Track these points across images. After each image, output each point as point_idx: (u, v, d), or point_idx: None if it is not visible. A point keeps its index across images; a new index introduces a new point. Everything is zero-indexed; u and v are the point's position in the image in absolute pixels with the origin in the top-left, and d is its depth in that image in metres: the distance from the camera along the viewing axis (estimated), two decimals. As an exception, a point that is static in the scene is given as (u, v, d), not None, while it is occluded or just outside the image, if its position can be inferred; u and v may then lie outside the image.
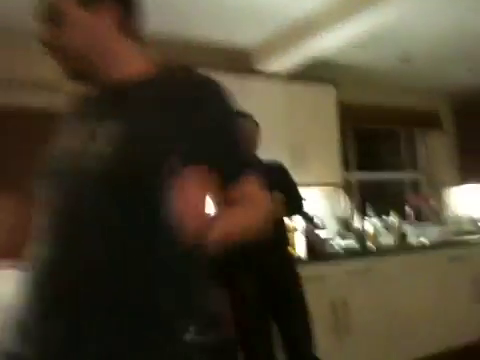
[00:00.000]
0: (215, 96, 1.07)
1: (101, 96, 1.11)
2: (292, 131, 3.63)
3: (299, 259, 3.16)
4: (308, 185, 3.58)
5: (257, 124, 2.81)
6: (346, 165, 4.25)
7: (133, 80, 1.08)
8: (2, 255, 2.10)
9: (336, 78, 3.96)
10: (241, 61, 3.75)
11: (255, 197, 1.12)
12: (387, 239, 3.91)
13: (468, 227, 4.61)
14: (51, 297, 0.94)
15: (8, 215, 2.58)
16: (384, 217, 4.14)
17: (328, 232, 3.75)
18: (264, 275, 2.64)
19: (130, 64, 1.11)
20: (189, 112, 1.02)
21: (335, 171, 3.85)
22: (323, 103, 3.88)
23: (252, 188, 1.12)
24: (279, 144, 3.43)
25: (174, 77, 1.10)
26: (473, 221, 4.73)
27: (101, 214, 0.96)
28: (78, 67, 1.09)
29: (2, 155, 2.91)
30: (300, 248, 3.36)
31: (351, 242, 3.75)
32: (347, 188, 4.26)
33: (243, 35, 3.49)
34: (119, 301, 0.93)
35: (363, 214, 3.94)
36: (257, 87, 3.53)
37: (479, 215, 4.87)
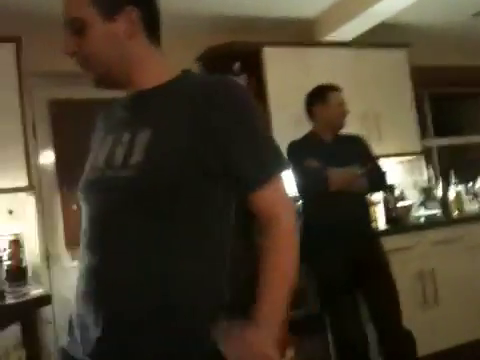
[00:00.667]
0: (231, 95, 1.04)
1: (128, 103, 1.13)
2: (364, 100, 3.51)
3: (382, 232, 3.09)
4: (385, 156, 3.47)
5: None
6: (424, 132, 4.07)
7: (157, 86, 1.09)
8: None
9: (407, 40, 3.78)
10: (306, 32, 3.67)
11: (273, 217, 1.04)
12: (472, 206, 3.73)
13: None
14: (94, 302, 1.01)
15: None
16: (468, 184, 3.94)
17: (410, 202, 3.62)
18: (350, 250, 2.61)
19: (154, 70, 1.11)
20: (207, 113, 1.00)
21: (413, 139, 3.70)
22: (395, 68, 3.72)
23: (270, 202, 1.04)
24: (351, 115, 3.34)
25: (192, 80, 1.09)
26: None
27: (128, 222, 1.00)
28: (104, 75, 1.10)
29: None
30: (382, 221, 3.28)
31: (435, 211, 3.61)
32: (427, 156, 4.09)
33: (307, 5, 3.41)
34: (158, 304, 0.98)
35: (446, 182, 3.77)
36: (324, 57, 3.44)
37: None
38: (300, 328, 2.79)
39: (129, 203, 1.00)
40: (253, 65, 3.20)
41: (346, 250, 2.59)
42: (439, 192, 3.66)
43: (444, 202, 3.58)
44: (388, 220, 3.27)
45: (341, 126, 2.77)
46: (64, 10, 1.08)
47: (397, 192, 3.54)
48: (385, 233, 3.07)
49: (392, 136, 3.56)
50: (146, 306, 0.98)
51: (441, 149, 4.40)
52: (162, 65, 1.13)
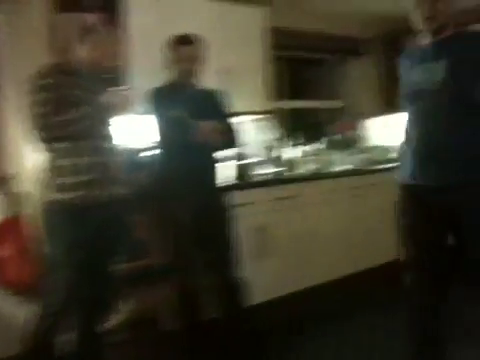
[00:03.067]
0: None
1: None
2: (222, 55, 3.50)
3: (228, 187, 3.17)
4: (238, 113, 3.53)
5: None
6: (275, 92, 4.21)
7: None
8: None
9: (268, 0, 3.82)
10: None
11: None
12: (312, 166, 4.00)
13: (386, 156, 4.81)
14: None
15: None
16: (310, 145, 4.22)
17: (257, 160, 3.77)
18: (196, 203, 2.65)
19: None
20: None
21: (265, 99, 3.82)
22: (254, 26, 3.75)
23: None
24: (210, 68, 3.32)
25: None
26: (390, 150, 4.94)
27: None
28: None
29: None
30: (229, 176, 3.37)
31: (279, 169, 3.80)
32: (276, 116, 4.26)
33: None
34: None
35: (290, 142, 3.98)
36: (188, 8, 3.35)
37: (396, 145, 5.09)
38: (142, 280, 2.80)
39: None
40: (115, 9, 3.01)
41: (193, 202, 2.63)
42: (284, 152, 3.85)
43: (287, 161, 3.79)
44: (235, 176, 3.36)
45: (190, 79, 2.75)
46: None
47: (246, 149, 3.65)
48: (229, 188, 3.16)
49: (246, 94, 3.62)
50: None
51: (289, 110, 4.62)
52: None
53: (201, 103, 2.72)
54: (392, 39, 5.05)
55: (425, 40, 2.21)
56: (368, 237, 4.00)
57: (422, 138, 2.17)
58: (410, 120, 2.31)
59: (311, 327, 3.22)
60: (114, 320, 2.76)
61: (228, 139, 2.76)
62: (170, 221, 2.69)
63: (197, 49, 2.74)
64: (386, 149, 4.92)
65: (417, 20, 2.16)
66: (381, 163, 4.49)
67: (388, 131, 5.26)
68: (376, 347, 2.90)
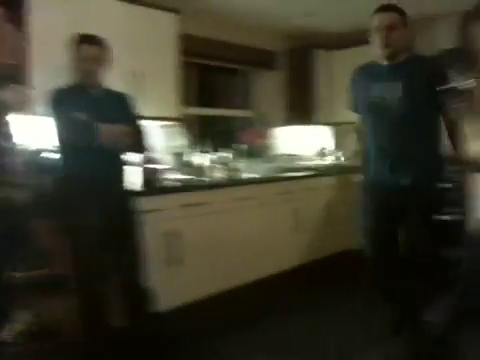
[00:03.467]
0: None
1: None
2: (131, 58, 3.46)
3: (135, 192, 3.11)
4: (147, 118, 3.49)
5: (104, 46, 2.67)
6: (185, 99, 4.22)
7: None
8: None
9: (180, 7, 3.83)
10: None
11: None
12: (221, 174, 4.04)
13: (292, 164, 4.98)
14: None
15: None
16: (220, 153, 4.25)
17: (165, 166, 3.74)
18: (102, 208, 2.58)
19: None
20: None
21: (174, 105, 3.81)
22: (165, 32, 3.75)
23: None
24: (118, 72, 3.26)
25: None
26: (297, 159, 5.12)
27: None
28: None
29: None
30: (136, 181, 3.31)
31: (187, 176, 3.80)
32: (186, 123, 4.26)
33: None
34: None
35: (199, 149, 3.99)
36: (96, 9, 3.27)
37: (302, 154, 5.30)
38: (43, 289, 2.67)
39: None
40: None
41: (98, 207, 2.56)
42: (193, 159, 3.86)
43: (196, 168, 3.79)
44: (142, 182, 3.31)
45: (91, 81, 2.67)
46: None
47: (154, 155, 3.61)
48: (139, 194, 3.11)
49: (155, 99, 3.60)
50: None
51: (198, 118, 4.64)
52: None
53: (106, 106, 2.65)
54: (301, 54, 5.26)
55: (381, 62, 2.64)
56: (275, 243, 4.10)
57: (382, 145, 2.61)
58: (370, 130, 2.69)
59: (221, 332, 3.23)
60: (10, 330, 2.60)
61: (135, 143, 2.70)
62: (72, 227, 2.58)
63: (100, 50, 2.66)
64: (293, 158, 5.10)
65: (375, 45, 2.59)
66: (288, 171, 4.64)
67: (295, 141, 5.46)
68: (285, 348, 2.99)
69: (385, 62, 2.63)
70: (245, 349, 2.99)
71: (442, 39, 4.41)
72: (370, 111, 2.67)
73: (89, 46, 2.61)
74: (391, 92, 2.53)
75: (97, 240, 2.58)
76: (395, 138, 2.56)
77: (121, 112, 2.71)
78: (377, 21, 2.56)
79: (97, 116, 2.52)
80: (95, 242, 2.58)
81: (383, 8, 2.58)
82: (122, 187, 2.80)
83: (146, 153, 3.20)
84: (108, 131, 2.52)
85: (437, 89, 1.95)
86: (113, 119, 2.57)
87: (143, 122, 2.93)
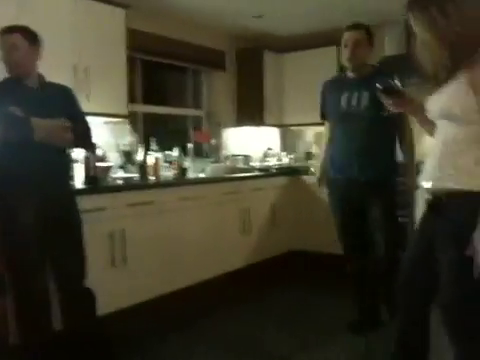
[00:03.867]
0: None
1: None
2: (78, 53, 3.37)
3: (79, 191, 3.02)
4: (92, 114, 3.40)
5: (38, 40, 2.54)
6: (132, 96, 4.15)
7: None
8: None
9: (130, 2, 3.76)
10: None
11: None
12: (168, 173, 3.99)
13: (241, 165, 4.99)
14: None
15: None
16: (167, 152, 4.20)
17: (110, 164, 3.65)
18: (42, 205, 2.47)
19: None
20: None
21: (121, 102, 3.73)
22: (112, 26, 3.66)
23: None
24: (63, 66, 3.17)
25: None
26: (246, 160, 5.14)
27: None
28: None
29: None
30: (80, 179, 3.21)
31: (133, 175, 3.73)
32: (132, 120, 4.18)
33: None
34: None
35: (146, 148, 3.93)
36: (42, 1, 3.16)
37: (252, 155, 5.32)
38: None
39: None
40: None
41: (38, 204, 2.45)
42: (139, 157, 3.79)
43: (142, 167, 3.73)
44: (86, 179, 3.22)
45: (20, 71, 2.53)
46: None
47: (99, 152, 3.52)
48: (82, 192, 3.02)
49: (101, 95, 3.52)
50: None
51: (146, 116, 4.56)
52: None
53: (45, 100, 2.53)
54: (250, 55, 5.28)
55: (348, 74, 3.08)
56: (222, 244, 4.09)
57: (350, 147, 2.99)
58: (339, 134, 3.07)
59: (163, 332, 3.20)
60: None
61: (78, 138, 2.59)
62: (7, 226, 2.46)
63: (21, 39, 2.48)
64: (242, 158, 5.11)
65: (343, 58, 3.02)
66: (236, 172, 4.64)
67: (245, 142, 5.48)
68: (225, 347, 3.00)
69: (351, 74, 3.06)
70: (186, 348, 2.99)
71: (390, 46, 4.56)
72: (340, 118, 3.05)
73: (10, 35, 2.47)
74: (359, 101, 2.95)
75: (37, 239, 2.48)
76: (362, 140, 2.95)
77: (62, 106, 2.59)
78: (346, 37, 2.98)
79: (35, 111, 2.41)
80: (31, 242, 2.47)
81: (353, 27, 2.99)
82: (65, 185, 2.69)
83: (91, 149, 3.12)
84: (44, 127, 2.40)
85: (377, 87, 2.09)
86: (53, 113, 2.47)
87: (88, 118, 2.85)
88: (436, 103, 1.76)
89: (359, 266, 3.17)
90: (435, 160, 1.75)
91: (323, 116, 3.27)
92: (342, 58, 3.06)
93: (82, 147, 2.95)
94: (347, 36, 2.99)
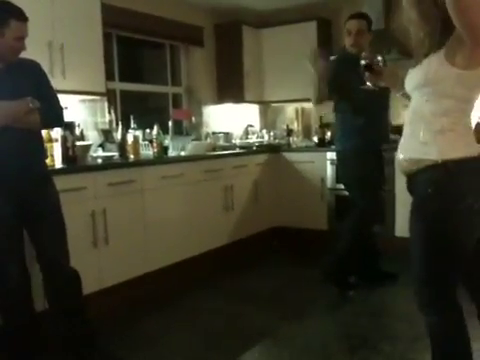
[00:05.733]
0: None
1: None
2: (51, 29, 3.26)
3: (58, 171, 2.97)
4: (68, 92, 3.33)
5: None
6: (109, 74, 4.06)
7: None
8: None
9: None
10: None
11: None
12: (147, 151, 3.94)
13: (222, 142, 4.96)
14: None
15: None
16: (146, 130, 4.14)
17: (89, 143, 3.59)
18: (17, 189, 2.40)
19: None
20: None
21: (98, 79, 3.64)
22: (87, 2, 3.55)
23: None
24: (38, 43, 3.05)
25: None
26: (227, 137, 5.10)
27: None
28: None
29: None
30: (58, 159, 3.15)
31: (112, 153, 3.67)
32: (110, 98, 4.10)
33: None
34: None
35: (125, 126, 3.86)
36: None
37: (233, 132, 5.28)
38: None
39: None
40: None
41: (12, 188, 2.38)
42: (118, 135, 3.73)
43: (122, 145, 3.67)
44: (64, 159, 3.16)
45: (10, 61, 2.40)
46: None
47: (76, 131, 3.45)
48: (60, 172, 2.96)
49: (77, 73, 3.42)
50: None
51: (124, 93, 4.48)
52: None
53: (13, 79, 2.39)
54: (228, 30, 5.20)
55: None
56: (204, 222, 4.08)
57: (374, 121, 3.34)
58: (372, 108, 3.27)
59: (150, 311, 3.21)
60: None
61: (49, 117, 2.47)
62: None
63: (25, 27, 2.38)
64: (222, 136, 5.07)
65: (347, 43, 3.33)
66: (217, 149, 4.61)
67: (226, 119, 5.43)
68: (213, 320, 3.03)
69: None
70: (166, 326, 3.01)
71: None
72: (365, 96, 3.07)
73: (19, 23, 2.34)
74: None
75: (5, 228, 2.42)
76: (383, 115, 3.43)
77: (30, 84, 2.44)
78: (350, 26, 3.31)
79: (1, 92, 2.30)
80: (12, 228, 2.42)
81: (357, 16, 3.33)
82: (42, 166, 2.60)
83: (67, 129, 3.04)
84: (6, 110, 2.29)
85: (361, 63, 2.27)
86: (19, 93, 2.33)
87: (64, 96, 2.77)
88: (412, 76, 1.79)
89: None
90: (406, 131, 1.80)
91: (333, 91, 3.32)
92: (346, 43, 3.35)
93: (52, 126, 2.85)
94: (351, 25, 3.30)
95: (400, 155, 1.80)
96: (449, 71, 1.62)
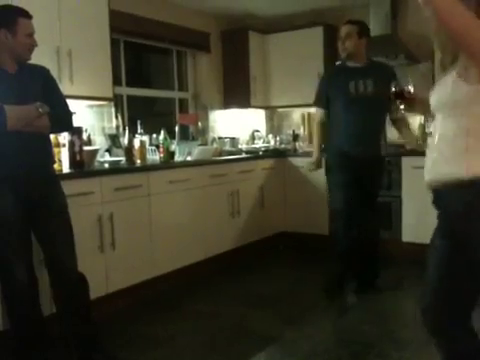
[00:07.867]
0: None
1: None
2: (60, 35, 3.29)
3: (65, 175, 2.98)
4: (76, 97, 3.35)
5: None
6: (116, 79, 4.08)
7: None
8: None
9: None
10: None
11: None
12: (154, 156, 3.96)
13: (228, 147, 4.97)
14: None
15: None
16: (153, 135, 4.16)
17: (96, 147, 3.61)
18: (25, 192, 2.42)
19: None
20: None
21: (105, 84, 3.66)
22: (95, 8, 3.57)
23: None
24: (46, 48, 3.08)
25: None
26: (233, 142, 5.11)
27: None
28: None
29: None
30: (66, 164, 3.17)
31: (119, 158, 3.69)
32: (117, 103, 4.12)
33: None
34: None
35: (132, 131, 3.88)
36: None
37: (239, 137, 5.29)
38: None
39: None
40: None
41: (21, 190, 2.40)
42: (125, 140, 3.75)
43: (128, 150, 3.69)
44: (72, 164, 3.18)
45: (26, 59, 2.47)
46: None
47: (84, 136, 3.47)
48: (68, 177, 2.98)
49: (85, 78, 3.45)
50: None
51: (131, 99, 4.51)
52: None
53: (25, 84, 2.42)
54: (235, 36, 5.22)
55: (348, 64, 3.49)
56: (211, 227, 4.08)
57: (354, 127, 3.39)
58: (343, 116, 3.43)
59: (156, 315, 3.21)
60: None
61: (58, 122, 2.50)
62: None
63: (33, 24, 2.44)
64: (229, 141, 5.08)
65: (339, 50, 3.47)
66: (224, 154, 4.62)
67: (232, 124, 5.45)
68: (219, 324, 3.01)
69: (351, 64, 3.46)
70: (172, 329, 3.01)
71: (375, 26, 4.52)
72: (348, 101, 3.40)
73: (27, 20, 2.40)
74: (365, 87, 3.38)
75: (14, 231, 2.43)
76: (364, 120, 3.37)
77: (40, 89, 2.48)
78: (340, 32, 3.45)
79: (13, 96, 2.32)
80: (11, 233, 2.43)
81: (346, 22, 3.45)
82: (46, 170, 2.61)
83: (75, 134, 3.06)
84: (18, 114, 2.30)
85: (392, 87, 2.15)
86: (31, 98, 2.37)
87: (72, 101, 2.79)
88: (434, 97, 1.73)
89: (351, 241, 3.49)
90: (431, 153, 1.71)
91: (318, 101, 3.60)
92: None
93: (61, 131, 2.88)
94: (340, 31, 3.45)
95: (427, 176, 1.72)
96: (462, 89, 1.56)
